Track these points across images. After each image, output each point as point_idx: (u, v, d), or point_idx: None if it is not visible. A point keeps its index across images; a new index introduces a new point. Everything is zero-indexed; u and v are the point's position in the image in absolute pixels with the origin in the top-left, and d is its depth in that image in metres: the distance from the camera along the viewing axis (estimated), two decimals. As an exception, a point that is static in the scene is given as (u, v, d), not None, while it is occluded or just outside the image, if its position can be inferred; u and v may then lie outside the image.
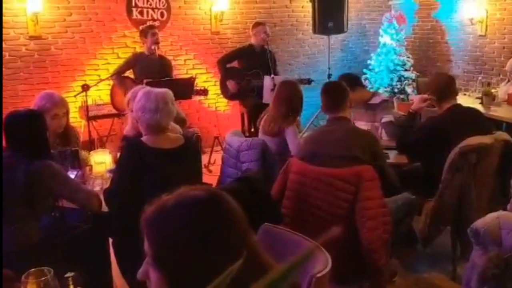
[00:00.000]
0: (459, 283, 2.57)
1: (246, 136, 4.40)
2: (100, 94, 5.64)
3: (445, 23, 7.01)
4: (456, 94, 3.40)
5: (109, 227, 2.63)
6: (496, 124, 4.32)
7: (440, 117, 3.28)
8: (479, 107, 4.60)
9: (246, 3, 6.49)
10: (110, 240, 2.76)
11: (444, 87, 3.31)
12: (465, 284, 2.05)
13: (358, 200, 2.54)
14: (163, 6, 5.97)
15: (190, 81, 5.22)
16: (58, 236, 2.59)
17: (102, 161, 3.10)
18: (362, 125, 3.58)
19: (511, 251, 1.85)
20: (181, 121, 3.48)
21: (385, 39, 6.77)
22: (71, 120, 3.49)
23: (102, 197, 2.59)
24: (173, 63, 5.65)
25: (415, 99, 3.67)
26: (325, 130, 3.01)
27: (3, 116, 2.59)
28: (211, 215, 1.09)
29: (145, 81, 4.64)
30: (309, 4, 6.32)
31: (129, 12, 5.83)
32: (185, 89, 4.99)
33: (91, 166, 3.09)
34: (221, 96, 5.75)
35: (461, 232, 2.86)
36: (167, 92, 2.63)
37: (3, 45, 5.22)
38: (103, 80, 5.19)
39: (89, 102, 4.83)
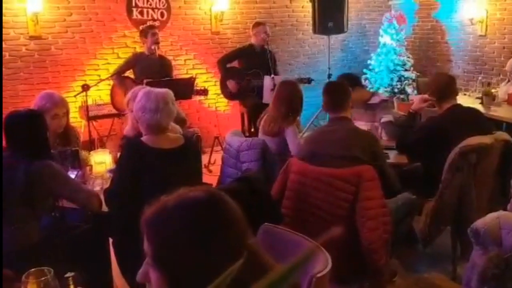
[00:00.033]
0: (459, 283, 2.56)
1: (246, 136, 4.40)
2: (100, 94, 5.64)
3: (445, 23, 7.01)
4: (456, 94, 3.40)
5: (109, 227, 2.63)
6: (496, 124, 4.32)
7: (440, 117, 3.28)
8: (479, 107, 4.60)
9: (246, 3, 6.49)
10: (110, 240, 2.76)
11: (444, 87, 3.31)
12: (465, 284, 2.05)
13: (358, 200, 2.54)
14: (163, 6, 5.97)
15: (190, 81, 5.22)
16: (58, 236, 2.59)
17: (102, 161, 3.10)
18: (362, 125, 3.58)
19: (511, 251, 1.85)
20: (181, 121, 3.48)
21: (385, 39, 6.77)
22: (71, 120, 3.49)
23: (102, 197, 2.59)
24: (173, 63, 5.65)
25: (415, 99, 3.67)
26: (326, 130, 3.00)
27: (3, 116, 2.59)
28: (211, 216, 1.09)
29: (145, 81, 4.64)
30: (309, 4, 6.32)
31: (129, 12, 5.83)
32: (185, 89, 4.99)
33: (91, 166, 3.09)
34: (221, 96, 5.76)
35: (461, 232, 2.86)
36: (168, 92, 2.63)
37: (3, 45, 5.23)
38: (103, 80, 5.19)
39: (89, 102, 4.83)
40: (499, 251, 1.88)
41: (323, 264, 1.59)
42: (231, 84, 5.39)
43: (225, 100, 6.02)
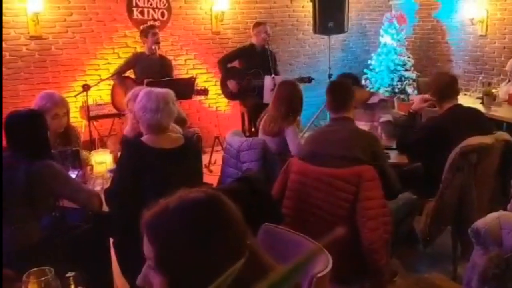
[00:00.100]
0: (460, 283, 2.56)
1: (247, 136, 4.40)
2: (101, 94, 5.64)
3: (445, 23, 7.01)
4: (458, 94, 3.39)
5: (110, 227, 2.64)
6: (497, 124, 4.32)
7: (441, 117, 3.28)
8: (479, 107, 4.60)
9: (246, 3, 6.49)
10: (111, 240, 2.76)
11: (445, 87, 3.30)
12: (466, 284, 2.05)
13: (359, 200, 2.54)
14: (164, 6, 5.97)
15: (191, 81, 5.22)
16: (58, 236, 2.59)
17: (102, 161, 3.10)
18: (361, 125, 3.57)
19: (511, 251, 1.85)
20: (181, 121, 3.48)
21: (385, 39, 6.77)
22: (71, 120, 3.49)
23: (102, 197, 2.59)
24: (173, 63, 5.65)
25: (416, 99, 3.67)
26: (327, 130, 3.00)
27: (4, 116, 2.59)
28: (211, 216, 1.10)
29: (145, 81, 4.64)
30: (310, 4, 6.32)
31: (130, 12, 5.83)
32: (186, 89, 4.99)
33: (91, 166, 3.09)
34: (222, 96, 5.76)
35: (461, 232, 2.85)
36: (168, 92, 2.64)
37: (4, 45, 5.23)
38: (104, 80, 5.20)
39: (90, 102, 4.83)
40: (499, 251, 1.88)
41: (323, 264, 1.59)
42: (231, 84, 5.39)
43: (226, 100, 6.02)
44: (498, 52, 6.33)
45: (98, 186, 2.84)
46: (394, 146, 3.47)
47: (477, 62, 6.60)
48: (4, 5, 5.08)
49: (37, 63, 5.50)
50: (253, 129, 5.25)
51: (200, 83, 5.80)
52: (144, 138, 2.54)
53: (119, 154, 2.87)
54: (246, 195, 2.24)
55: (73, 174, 2.85)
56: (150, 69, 5.11)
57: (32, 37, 5.41)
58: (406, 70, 6.71)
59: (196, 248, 1.06)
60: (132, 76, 5.33)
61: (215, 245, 1.07)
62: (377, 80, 6.79)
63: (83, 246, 2.57)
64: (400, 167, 3.28)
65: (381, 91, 6.47)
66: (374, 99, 3.94)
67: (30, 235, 2.46)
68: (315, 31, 6.24)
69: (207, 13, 6.24)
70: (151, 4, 5.90)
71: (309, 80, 5.35)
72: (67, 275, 1.64)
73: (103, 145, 5.06)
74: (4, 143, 2.54)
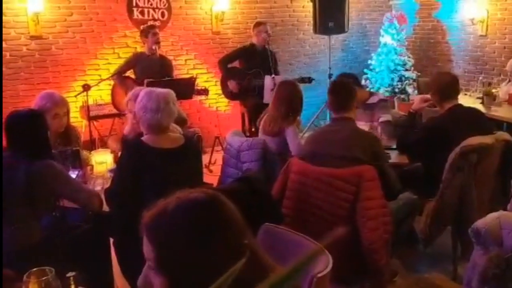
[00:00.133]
0: (460, 283, 2.56)
1: (247, 136, 4.40)
2: (101, 94, 5.65)
3: (446, 23, 7.01)
4: (458, 94, 3.39)
5: (110, 227, 2.64)
6: (497, 124, 4.33)
7: (441, 117, 3.28)
8: (480, 107, 4.60)
9: (247, 3, 6.49)
10: (111, 239, 2.76)
11: (446, 87, 3.29)
12: (466, 284, 2.05)
13: (359, 200, 2.54)
14: (164, 6, 5.97)
15: (191, 81, 5.22)
16: (59, 236, 2.59)
17: (103, 160, 3.10)
18: (361, 125, 3.57)
19: (511, 251, 1.85)
20: (182, 121, 3.48)
21: (385, 39, 6.78)
22: (72, 120, 3.49)
23: (103, 196, 2.59)
24: (173, 63, 5.65)
25: (416, 99, 3.67)
26: (328, 130, 3.00)
27: (4, 116, 2.59)
28: (211, 216, 1.11)
29: (146, 81, 4.65)
30: (310, 4, 6.32)
31: (130, 12, 5.83)
32: (186, 89, 4.99)
33: (92, 166, 3.09)
34: (222, 96, 5.76)
35: (462, 232, 2.86)
36: (169, 92, 2.64)
37: (4, 45, 5.23)
38: (104, 80, 5.20)
39: (90, 102, 4.84)
40: (499, 251, 1.88)
41: (324, 264, 1.59)
42: (232, 84, 5.39)
43: (226, 100, 6.02)
44: (498, 52, 6.33)
45: (98, 186, 2.84)
46: (394, 146, 3.46)
47: (478, 62, 6.60)
48: (4, 5, 5.08)
49: (37, 63, 5.50)
50: (253, 129, 5.25)
51: (200, 83, 5.80)
52: (144, 138, 2.54)
53: (119, 153, 2.87)
54: (246, 195, 2.24)
55: (73, 174, 2.85)
56: (150, 69, 5.11)
57: (33, 37, 5.41)
58: (406, 70, 6.71)
59: (196, 248, 1.07)
60: (132, 76, 5.33)
61: (214, 245, 1.07)
62: (377, 80, 6.79)
63: (84, 246, 2.57)
64: (400, 167, 3.28)
65: (381, 91, 6.47)
66: (373, 99, 3.94)
67: (30, 235, 2.46)
68: (315, 31, 6.24)
69: (208, 13, 6.24)
70: (151, 4, 5.91)
71: (310, 80, 5.35)
72: (68, 275, 1.64)
73: (104, 145, 5.06)
74: (4, 143, 2.54)
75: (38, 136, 2.54)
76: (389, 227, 2.63)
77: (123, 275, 2.61)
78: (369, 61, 6.90)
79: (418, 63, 7.04)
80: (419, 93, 5.91)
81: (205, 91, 5.32)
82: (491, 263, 1.88)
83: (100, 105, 5.53)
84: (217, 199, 1.14)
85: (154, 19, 5.91)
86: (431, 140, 3.16)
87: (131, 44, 5.85)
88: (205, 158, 4.97)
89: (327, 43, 6.48)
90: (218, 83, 5.77)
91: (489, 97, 4.92)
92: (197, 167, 2.74)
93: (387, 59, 6.72)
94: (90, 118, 4.77)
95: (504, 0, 6.16)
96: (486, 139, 2.97)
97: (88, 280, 1.73)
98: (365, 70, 6.90)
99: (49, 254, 2.34)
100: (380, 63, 6.77)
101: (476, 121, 3.21)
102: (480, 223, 1.96)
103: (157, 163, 2.45)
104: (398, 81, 6.68)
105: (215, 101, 6.34)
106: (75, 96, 4.90)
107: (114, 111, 5.31)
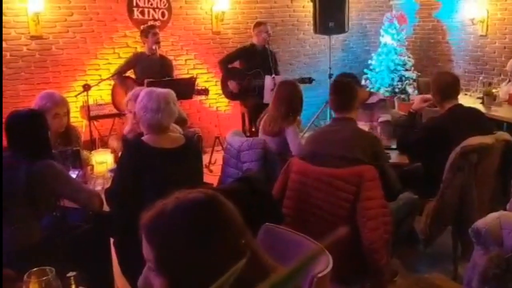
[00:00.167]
0: (460, 283, 2.56)
1: (247, 136, 4.40)
2: (101, 94, 5.65)
3: (446, 23, 7.01)
4: (458, 94, 3.39)
5: (110, 227, 2.64)
6: (497, 124, 4.33)
7: (441, 117, 3.28)
8: (480, 107, 4.60)
9: (247, 3, 6.49)
10: (111, 239, 2.76)
11: (446, 87, 3.29)
12: (466, 284, 2.05)
13: (359, 200, 2.54)
14: (164, 6, 5.97)
15: (191, 81, 5.23)
16: (59, 236, 2.59)
17: (103, 160, 3.10)
18: (361, 125, 3.56)
19: (512, 251, 1.85)
20: (182, 121, 3.48)
21: (386, 39, 6.78)
22: (72, 120, 3.49)
23: (103, 196, 2.59)
24: (174, 63, 5.65)
25: (416, 99, 3.67)
26: (328, 130, 3.00)
27: (4, 116, 2.59)
28: (211, 217, 1.11)
29: (146, 81, 4.65)
30: (310, 4, 6.32)
31: (130, 12, 5.83)
32: (186, 89, 4.99)
33: (92, 165, 3.09)
34: (222, 96, 5.76)
35: (462, 232, 2.86)
36: (169, 92, 2.64)
37: (4, 45, 5.23)
38: (104, 80, 5.21)
39: (90, 102, 4.84)
40: (500, 251, 1.88)
41: (324, 264, 1.59)
42: (232, 84, 5.39)
43: (226, 100, 6.02)
44: (498, 52, 6.33)
45: (99, 186, 2.84)
46: (394, 146, 3.47)
47: (478, 62, 6.60)
48: (4, 5, 5.09)
49: (38, 63, 5.50)
50: (253, 129, 5.25)
51: (200, 83, 5.80)
52: (144, 138, 2.54)
53: (120, 153, 2.87)
54: (246, 195, 2.24)
55: (73, 174, 2.85)
56: (151, 69, 5.11)
57: (33, 37, 5.41)
58: (407, 70, 6.71)
59: (195, 248, 1.07)
60: (133, 76, 5.33)
61: (214, 245, 1.07)
62: (377, 80, 6.79)
63: (84, 246, 2.57)
64: (400, 167, 3.28)
65: (381, 91, 6.47)
66: (373, 99, 3.94)
67: (30, 235, 2.46)
68: (315, 31, 6.25)
69: (208, 13, 6.24)
70: (151, 4, 5.91)
71: (310, 81, 5.36)
72: (68, 275, 1.64)
73: (104, 145, 5.06)
74: (5, 143, 2.54)
75: (38, 136, 2.54)
76: (389, 227, 2.63)
77: (123, 275, 2.61)
78: (369, 61, 6.90)
79: (418, 63, 7.04)
80: (419, 93, 5.91)
81: (205, 91, 5.32)
82: (492, 263, 1.88)
83: (100, 105, 5.53)
84: (216, 199, 1.14)
85: (154, 19, 5.91)
86: (431, 140, 3.16)
87: (131, 44, 5.85)
88: (205, 158, 4.97)
89: (327, 43, 6.48)
90: (218, 83, 5.77)
91: (489, 97, 4.92)
92: (198, 167, 2.74)
93: (387, 59, 6.72)
94: (91, 118, 4.77)
95: (504, 0, 6.15)
96: (486, 139, 2.97)
97: (89, 280, 1.73)
98: (365, 70, 6.90)
99: (49, 254, 2.34)
100: (380, 63, 6.77)
101: (476, 121, 3.21)
102: (481, 223, 1.96)
103: (157, 163, 2.45)
104: (398, 81, 6.68)
105: (215, 101, 6.34)
106: (76, 96, 4.90)
107: (114, 111, 5.31)
